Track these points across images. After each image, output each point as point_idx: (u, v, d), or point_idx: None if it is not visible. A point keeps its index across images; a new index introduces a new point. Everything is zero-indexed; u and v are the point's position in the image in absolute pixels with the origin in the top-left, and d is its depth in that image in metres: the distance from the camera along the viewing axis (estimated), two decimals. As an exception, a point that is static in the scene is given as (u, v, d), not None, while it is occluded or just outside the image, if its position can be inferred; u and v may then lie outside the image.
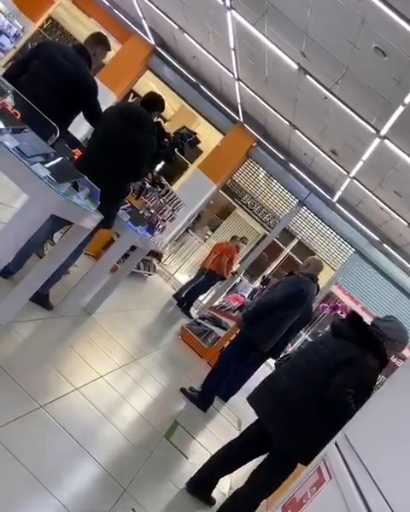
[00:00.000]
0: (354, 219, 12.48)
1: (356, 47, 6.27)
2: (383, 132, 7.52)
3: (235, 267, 11.82)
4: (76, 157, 4.62)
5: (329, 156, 10.48)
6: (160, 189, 8.40)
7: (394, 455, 1.34)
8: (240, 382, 5.65)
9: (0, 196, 5.52)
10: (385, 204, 10.22)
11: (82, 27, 14.20)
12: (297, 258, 14.03)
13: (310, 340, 14.70)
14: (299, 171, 12.72)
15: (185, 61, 12.54)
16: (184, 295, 10.60)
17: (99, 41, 4.58)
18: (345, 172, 10.33)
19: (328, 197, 12.50)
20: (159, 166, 7.67)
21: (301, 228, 13.56)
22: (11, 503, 2.13)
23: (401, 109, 6.51)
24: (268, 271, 14.56)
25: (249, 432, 3.52)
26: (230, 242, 10.91)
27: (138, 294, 9.14)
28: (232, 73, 10.38)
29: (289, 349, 14.03)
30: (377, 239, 12.43)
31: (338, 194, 11.93)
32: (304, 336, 14.33)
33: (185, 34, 10.53)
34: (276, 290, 5.18)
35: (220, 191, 13.73)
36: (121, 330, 5.76)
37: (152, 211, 8.41)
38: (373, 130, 7.71)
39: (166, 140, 5.04)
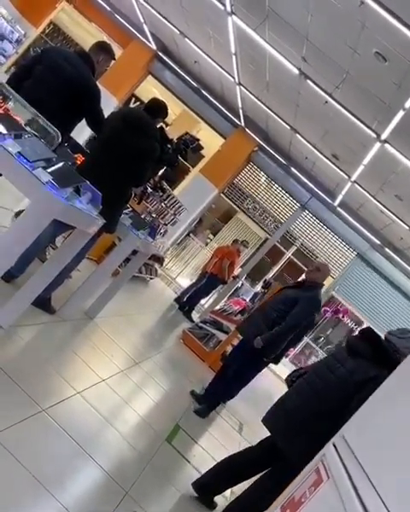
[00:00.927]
0: (355, 223, 12.49)
1: (357, 52, 6.30)
2: (383, 136, 7.54)
3: (236, 271, 11.82)
4: (78, 162, 4.65)
5: (330, 160, 10.50)
6: (161, 194, 8.43)
7: (389, 456, 1.36)
8: (241, 385, 5.65)
9: (2, 201, 5.55)
10: (386, 208, 10.24)
11: (84, 32, 14.26)
12: (299, 263, 14.05)
13: (312, 344, 14.73)
14: (300, 175, 12.74)
15: (187, 66, 12.58)
16: (185, 299, 10.61)
17: (103, 49, 4.61)
18: (346, 176, 10.36)
19: (329, 201, 12.52)
20: (161, 171, 7.68)
21: (302, 232, 13.58)
22: (14, 505, 2.15)
23: (401, 114, 6.54)
24: (270, 275, 14.57)
25: (260, 448, 3.48)
26: (231, 246, 10.91)
27: (140, 298, 9.16)
28: (233, 78, 10.41)
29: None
30: (379, 243, 12.45)
31: (339, 198, 11.95)
32: (306, 340, 14.34)
33: (186, 39, 10.58)
34: (298, 312, 4.96)
35: (222, 195, 13.75)
36: (123, 334, 5.77)
37: (153, 215, 8.43)
38: (374, 135, 7.73)
39: (168, 146, 5.06)
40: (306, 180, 12.69)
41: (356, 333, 3.51)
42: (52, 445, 2.76)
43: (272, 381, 10.51)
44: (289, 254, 14.32)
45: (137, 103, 13.47)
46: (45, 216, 2.90)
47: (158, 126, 4.72)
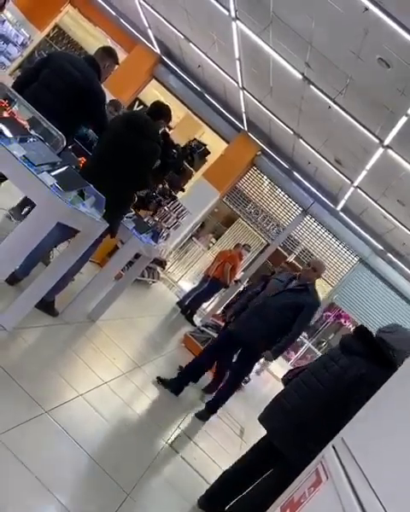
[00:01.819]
0: (357, 228, 12.51)
1: (360, 58, 6.33)
2: (386, 142, 7.57)
3: (238, 275, 11.82)
4: (81, 165, 4.68)
5: (333, 165, 10.53)
6: (171, 201, 8.50)
7: (386, 457, 1.39)
8: (237, 384, 5.65)
9: (6, 203, 5.58)
10: (389, 213, 10.26)
11: (88, 36, 14.34)
12: (301, 267, 14.04)
13: (314, 349, 14.70)
14: (303, 180, 12.77)
15: (190, 70, 12.64)
16: (187, 303, 10.62)
17: (109, 54, 4.66)
18: (349, 181, 10.38)
19: (332, 206, 12.54)
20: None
21: (304, 236, 13.59)
22: (15, 506, 2.16)
23: (404, 119, 6.56)
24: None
25: (257, 448, 3.48)
26: (233, 250, 10.93)
27: (142, 302, 9.17)
28: (237, 83, 10.46)
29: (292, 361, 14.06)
30: (381, 248, 12.45)
31: (342, 202, 11.97)
32: (308, 344, 14.32)
33: (191, 44, 10.64)
34: (305, 320, 4.99)
35: (223, 200, 13.78)
36: (125, 337, 5.79)
37: (156, 218, 8.46)
38: (377, 140, 7.76)
39: (174, 151, 5.07)
40: (308, 185, 12.72)
41: (351, 331, 3.54)
42: (54, 447, 2.78)
43: (275, 384, 10.51)
44: (291, 259, 14.32)
45: (141, 107, 13.51)
46: (49, 219, 2.92)
47: (162, 131, 4.73)
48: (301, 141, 10.73)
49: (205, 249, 15.79)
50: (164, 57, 12.83)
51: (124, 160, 4.24)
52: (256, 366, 7.18)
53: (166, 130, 5.96)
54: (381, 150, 7.92)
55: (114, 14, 12.47)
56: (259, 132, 12.63)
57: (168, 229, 9.61)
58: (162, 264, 11.39)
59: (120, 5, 12.26)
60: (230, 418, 6.09)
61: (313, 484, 1.48)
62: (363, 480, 1.31)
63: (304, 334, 15.48)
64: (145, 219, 7.01)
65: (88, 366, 4.04)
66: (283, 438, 3.24)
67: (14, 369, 3.01)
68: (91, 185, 3.37)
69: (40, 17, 12.76)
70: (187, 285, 13.65)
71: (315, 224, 13.35)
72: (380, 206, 10.26)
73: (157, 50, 12.68)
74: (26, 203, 5.31)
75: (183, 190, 8.95)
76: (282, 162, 12.87)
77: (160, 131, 4.64)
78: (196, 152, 5.27)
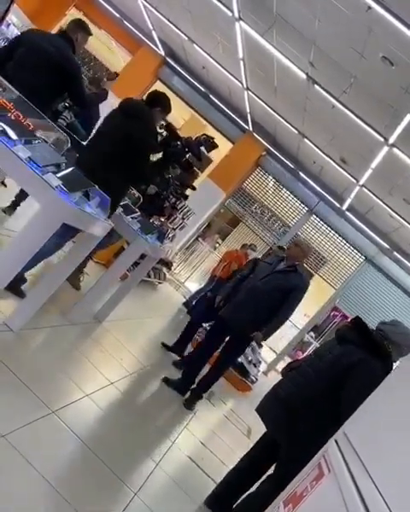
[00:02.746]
0: (363, 227, 12.48)
1: (364, 56, 6.32)
2: (391, 140, 7.55)
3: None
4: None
5: (338, 164, 10.51)
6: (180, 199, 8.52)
7: (388, 451, 1.39)
8: (223, 370, 5.60)
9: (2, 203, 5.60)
10: (395, 212, 10.23)
11: (93, 39, 14.34)
12: (306, 266, 14.02)
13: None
14: (308, 180, 12.76)
15: (195, 72, 12.65)
16: (194, 303, 10.62)
17: (79, 26, 4.77)
18: (354, 180, 10.36)
19: (337, 205, 12.52)
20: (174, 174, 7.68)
21: (310, 236, 13.57)
22: (24, 505, 2.17)
23: (409, 117, 6.54)
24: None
25: (259, 445, 3.51)
26: (240, 251, 10.91)
27: (148, 302, 9.19)
28: (241, 83, 10.46)
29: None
30: (388, 247, 12.42)
31: (348, 202, 11.95)
32: (315, 344, 14.30)
33: (195, 45, 10.65)
34: (295, 302, 4.98)
35: (225, 205, 13.79)
36: (131, 338, 5.80)
37: (162, 219, 8.47)
38: (382, 139, 7.74)
39: (178, 143, 5.05)
40: (314, 184, 12.71)
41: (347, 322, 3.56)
42: (61, 447, 2.80)
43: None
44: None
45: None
46: (55, 220, 2.94)
47: (167, 123, 4.70)
48: (305, 140, 10.72)
49: (211, 250, 15.79)
50: (168, 59, 12.86)
51: (114, 143, 4.19)
52: (263, 366, 7.14)
53: (170, 122, 5.97)
54: (386, 149, 7.90)
55: (118, 16, 12.50)
56: (264, 132, 12.63)
57: (174, 229, 9.62)
58: (168, 265, 11.40)
59: (124, 8, 12.30)
60: (237, 418, 6.10)
61: (316, 478, 1.50)
62: (365, 473, 1.32)
63: (311, 333, 15.48)
64: (151, 220, 7.02)
65: (94, 367, 4.06)
66: (275, 423, 3.27)
67: (20, 369, 3.02)
68: (96, 186, 3.38)
69: (45, 20, 12.78)
70: (193, 286, 13.64)
71: (321, 224, 13.34)
72: (386, 204, 10.23)
73: (161, 52, 12.71)
74: (18, 203, 5.38)
75: (194, 188, 8.91)
76: (287, 162, 12.86)
77: (161, 122, 4.63)
78: (203, 145, 5.29)
